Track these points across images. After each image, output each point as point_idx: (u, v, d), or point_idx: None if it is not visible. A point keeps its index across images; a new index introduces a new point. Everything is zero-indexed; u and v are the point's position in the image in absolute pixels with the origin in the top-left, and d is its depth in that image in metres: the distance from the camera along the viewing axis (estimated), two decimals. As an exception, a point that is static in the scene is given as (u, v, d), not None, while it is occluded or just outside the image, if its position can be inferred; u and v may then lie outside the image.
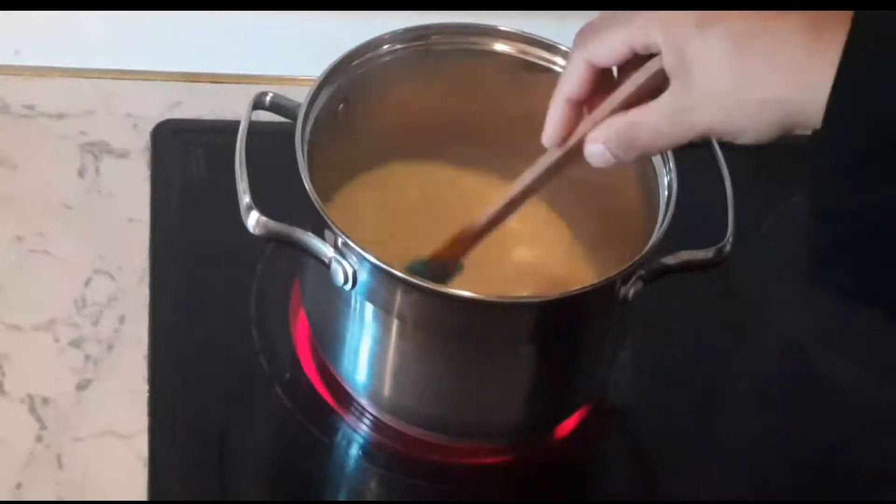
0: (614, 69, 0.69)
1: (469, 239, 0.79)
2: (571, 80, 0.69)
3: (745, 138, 0.64)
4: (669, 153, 0.79)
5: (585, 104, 0.70)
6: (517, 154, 0.89)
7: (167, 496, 0.79)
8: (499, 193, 0.90)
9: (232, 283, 0.90)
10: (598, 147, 0.69)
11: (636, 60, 0.67)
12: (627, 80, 0.68)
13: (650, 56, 0.66)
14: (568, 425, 0.86)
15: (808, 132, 0.61)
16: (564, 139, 0.71)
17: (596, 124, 0.69)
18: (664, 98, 0.65)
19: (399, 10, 0.94)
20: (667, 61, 0.64)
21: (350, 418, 0.85)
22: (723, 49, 0.62)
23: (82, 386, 0.84)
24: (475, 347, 0.77)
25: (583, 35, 0.68)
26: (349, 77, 0.82)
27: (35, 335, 0.86)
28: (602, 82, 0.69)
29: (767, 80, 0.62)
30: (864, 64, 0.59)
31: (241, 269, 0.90)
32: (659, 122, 0.66)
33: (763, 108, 0.62)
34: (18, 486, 0.79)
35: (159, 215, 0.92)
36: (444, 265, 0.79)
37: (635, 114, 0.67)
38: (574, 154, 0.71)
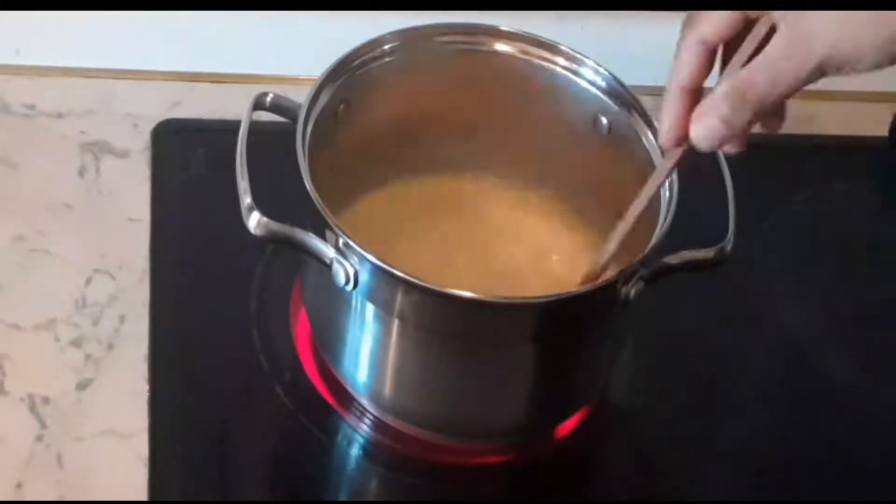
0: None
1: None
2: (686, 67, 0.67)
3: (866, 61, 0.62)
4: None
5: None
6: (517, 153, 0.89)
7: (167, 496, 0.79)
8: (499, 194, 0.91)
9: (232, 282, 0.90)
10: (705, 121, 0.65)
11: (739, 37, 0.65)
12: (739, 50, 0.66)
13: (750, 27, 0.65)
14: (568, 425, 0.86)
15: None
16: (682, 138, 0.68)
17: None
18: (775, 39, 0.63)
19: (399, 10, 0.94)
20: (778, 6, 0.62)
21: (350, 418, 0.85)
22: None
23: (82, 385, 0.84)
24: (475, 347, 0.77)
25: (691, 19, 0.66)
26: (349, 77, 0.81)
27: (35, 335, 0.86)
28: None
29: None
30: None
31: (241, 269, 0.90)
32: (774, 62, 0.63)
33: (881, 22, 0.60)
34: (18, 485, 0.79)
35: (159, 215, 0.92)
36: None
37: (743, 71, 0.64)
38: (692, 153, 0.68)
